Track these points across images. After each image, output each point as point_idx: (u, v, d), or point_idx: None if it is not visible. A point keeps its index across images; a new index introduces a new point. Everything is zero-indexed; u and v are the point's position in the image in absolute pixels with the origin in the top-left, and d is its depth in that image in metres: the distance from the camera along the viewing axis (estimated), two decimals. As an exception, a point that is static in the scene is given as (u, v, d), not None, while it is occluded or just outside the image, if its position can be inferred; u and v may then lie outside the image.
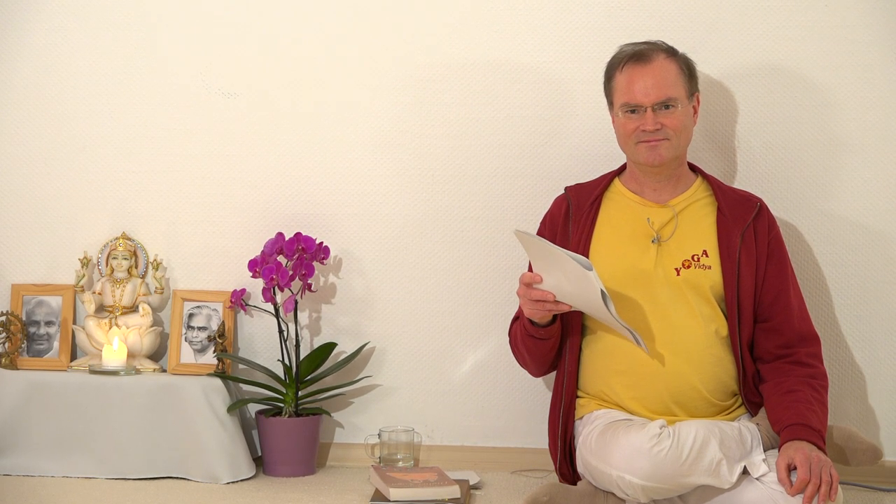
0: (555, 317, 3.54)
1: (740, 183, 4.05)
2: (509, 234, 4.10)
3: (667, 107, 3.57)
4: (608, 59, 3.89)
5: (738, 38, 4.07)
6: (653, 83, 3.56)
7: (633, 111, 3.59)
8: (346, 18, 4.20)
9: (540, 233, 3.74)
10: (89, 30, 4.24)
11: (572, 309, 3.47)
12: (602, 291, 3.31)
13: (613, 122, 3.68)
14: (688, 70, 3.64)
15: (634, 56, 3.60)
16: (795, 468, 3.27)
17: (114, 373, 4.05)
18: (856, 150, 4.06)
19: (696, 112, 3.67)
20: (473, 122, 4.17)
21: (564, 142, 4.14)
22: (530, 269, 3.63)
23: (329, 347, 4.16)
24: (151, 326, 4.18)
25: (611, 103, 3.68)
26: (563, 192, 3.80)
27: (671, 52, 3.63)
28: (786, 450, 3.33)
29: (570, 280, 3.37)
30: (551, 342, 3.59)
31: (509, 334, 3.79)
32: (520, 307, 3.68)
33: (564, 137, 4.14)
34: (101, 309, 4.21)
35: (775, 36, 4.07)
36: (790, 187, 4.07)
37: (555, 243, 3.46)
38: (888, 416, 4.07)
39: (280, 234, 4.09)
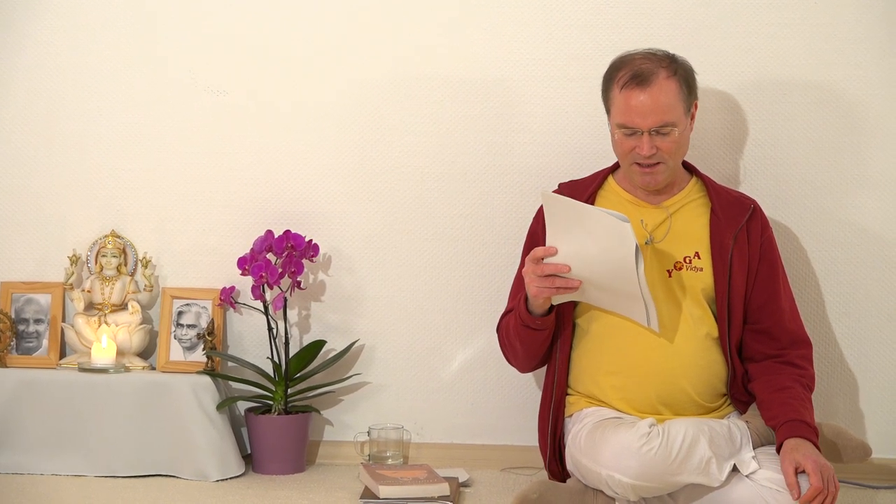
0: (551, 308, 3.54)
1: (729, 181, 4.06)
2: (498, 231, 4.15)
3: (664, 132, 3.55)
4: (596, 56, 3.89)
5: (727, 36, 4.08)
6: (651, 108, 3.52)
7: (630, 133, 3.57)
8: (337, 17, 4.21)
9: (533, 228, 3.74)
10: (80, 30, 4.25)
11: (578, 293, 3.45)
12: (636, 246, 3.30)
13: (610, 131, 3.65)
14: (687, 86, 3.59)
15: (634, 78, 3.54)
16: (803, 472, 3.28)
17: (103, 370, 4.06)
18: (847, 149, 4.07)
19: (693, 119, 3.66)
20: (462, 120, 4.18)
21: (553, 139, 4.15)
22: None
23: (318, 345, 4.16)
24: (140, 324, 4.19)
25: (608, 111, 3.65)
26: (556, 188, 3.78)
27: (672, 69, 3.57)
28: (792, 451, 3.34)
29: (599, 241, 3.34)
30: (545, 333, 3.58)
31: (498, 329, 3.77)
32: (511, 301, 3.71)
33: (553, 135, 4.15)
34: (90, 307, 4.22)
35: (764, 34, 4.07)
36: (780, 186, 4.08)
37: (547, 240, 3.47)
38: (877, 415, 4.10)
39: (269, 232, 4.10)
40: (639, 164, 3.57)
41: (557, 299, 3.49)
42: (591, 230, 3.34)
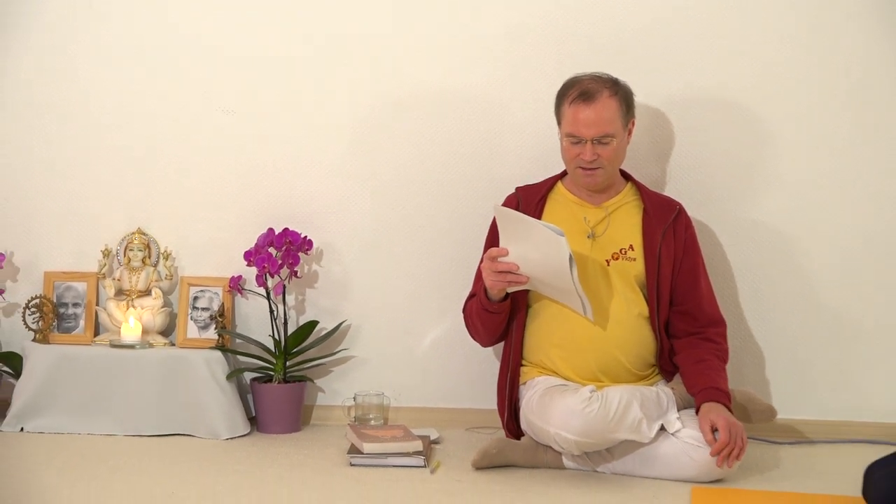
0: (507, 295, 3.74)
1: (658, 185, 4.27)
2: (464, 231, 4.34)
3: (604, 141, 3.77)
4: (546, 84, 4.09)
5: (664, 69, 4.27)
6: (594, 120, 3.74)
7: (576, 141, 3.79)
8: (330, 49, 4.40)
9: (493, 226, 3.92)
10: (115, 60, 4.45)
11: (528, 284, 3.63)
12: (570, 255, 3.48)
13: (560, 140, 3.84)
14: (626, 105, 3.80)
15: (582, 95, 3.75)
16: (717, 430, 3.56)
17: (130, 346, 4.25)
18: (758, 161, 4.29)
19: (630, 133, 3.88)
20: (435, 136, 4.38)
21: (508, 153, 4.36)
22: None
23: (312, 325, 4.36)
24: (162, 307, 4.38)
25: (559, 123, 3.85)
26: (513, 191, 4.03)
27: (614, 90, 3.78)
28: (707, 413, 3.59)
29: (540, 248, 3.52)
30: (502, 316, 3.79)
31: (464, 310, 3.98)
32: (474, 286, 3.92)
33: (508, 149, 4.36)
34: (119, 293, 4.41)
35: (696, 66, 4.28)
36: (702, 191, 4.28)
37: (500, 243, 3.68)
38: (781, 382, 4.33)
39: (271, 230, 4.29)
40: (582, 167, 3.81)
41: (511, 289, 3.74)
42: (534, 240, 3.55)
